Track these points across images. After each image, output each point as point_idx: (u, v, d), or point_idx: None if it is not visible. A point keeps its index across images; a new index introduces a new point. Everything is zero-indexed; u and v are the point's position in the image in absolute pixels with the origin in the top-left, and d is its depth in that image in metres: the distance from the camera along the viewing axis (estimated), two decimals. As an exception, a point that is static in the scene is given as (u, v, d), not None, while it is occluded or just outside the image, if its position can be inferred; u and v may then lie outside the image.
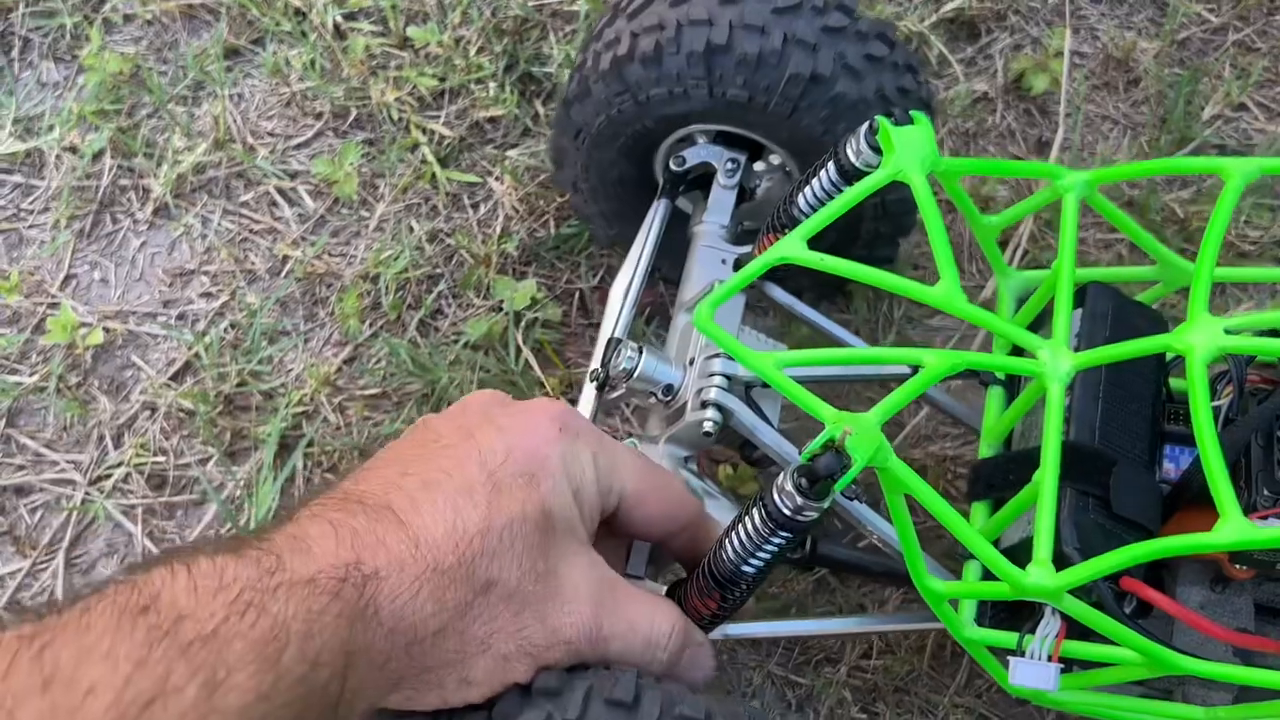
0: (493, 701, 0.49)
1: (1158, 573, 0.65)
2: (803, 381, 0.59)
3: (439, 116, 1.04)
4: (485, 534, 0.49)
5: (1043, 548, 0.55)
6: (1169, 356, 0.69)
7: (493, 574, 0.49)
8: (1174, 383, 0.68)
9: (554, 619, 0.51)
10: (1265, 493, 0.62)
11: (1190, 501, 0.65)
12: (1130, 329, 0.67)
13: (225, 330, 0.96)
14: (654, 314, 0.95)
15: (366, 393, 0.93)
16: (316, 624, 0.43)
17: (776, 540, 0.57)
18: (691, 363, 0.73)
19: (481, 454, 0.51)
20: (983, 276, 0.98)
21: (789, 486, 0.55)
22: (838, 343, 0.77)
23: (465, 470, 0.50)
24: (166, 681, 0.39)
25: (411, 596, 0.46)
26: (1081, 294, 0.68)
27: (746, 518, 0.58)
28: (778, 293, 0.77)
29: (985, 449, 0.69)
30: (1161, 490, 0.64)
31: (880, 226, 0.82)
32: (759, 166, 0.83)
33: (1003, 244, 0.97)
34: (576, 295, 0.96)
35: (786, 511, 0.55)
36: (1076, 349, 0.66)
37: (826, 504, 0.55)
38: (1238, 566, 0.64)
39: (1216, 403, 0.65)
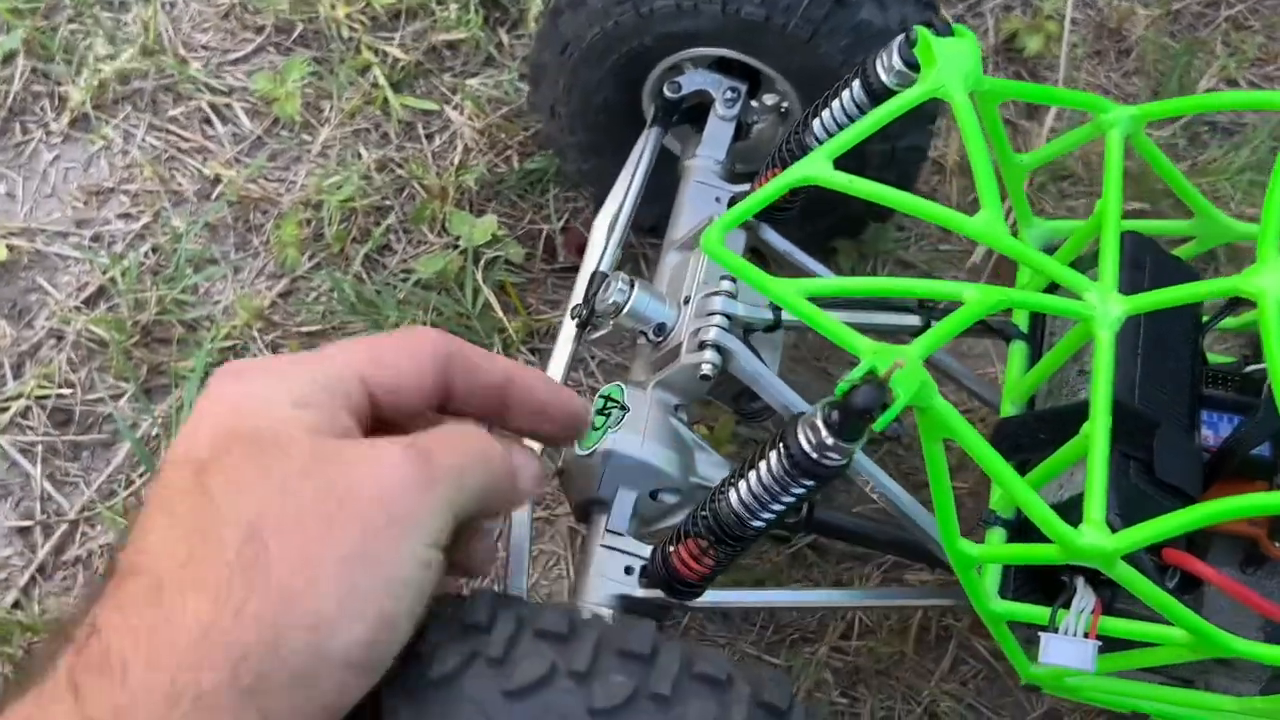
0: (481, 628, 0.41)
1: (1187, 544, 0.60)
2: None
3: (394, 38, 0.96)
4: (201, 489, 0.39)
5: (1095, 507, 0.49)
6: (1205, 318, 0.64)
7: (247, 517, 0.38)
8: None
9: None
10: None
11: (1232, 473, 0.60)
12: (1168, 282, 0.62)
13: (145, 255, 0.87)
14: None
15: (304, 329, 0.84)
16: None
17: (796, 490, 0.51)
18: (686, 301, 0.66)
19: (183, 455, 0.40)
20: (970, 242, 0.92)
21: (819, 422, 0.48)
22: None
23: (172, 477, 0.40)
24: None
25: (161, 614, 0.37)
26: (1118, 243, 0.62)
27: (762, 462, 0.51)
28: (773, 237, 0.70)
29: (1008, 407, 0.63)
30: (1202, 456, 0.59)
31: (885, 176, 0.75)
32: (754, 104, 0.76)
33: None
34: (541, 236, 0.88)
35: (812, 453, 0.49)
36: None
37: (859, 445, 0.49)
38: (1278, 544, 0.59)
39: (1260, 365, 0.60)
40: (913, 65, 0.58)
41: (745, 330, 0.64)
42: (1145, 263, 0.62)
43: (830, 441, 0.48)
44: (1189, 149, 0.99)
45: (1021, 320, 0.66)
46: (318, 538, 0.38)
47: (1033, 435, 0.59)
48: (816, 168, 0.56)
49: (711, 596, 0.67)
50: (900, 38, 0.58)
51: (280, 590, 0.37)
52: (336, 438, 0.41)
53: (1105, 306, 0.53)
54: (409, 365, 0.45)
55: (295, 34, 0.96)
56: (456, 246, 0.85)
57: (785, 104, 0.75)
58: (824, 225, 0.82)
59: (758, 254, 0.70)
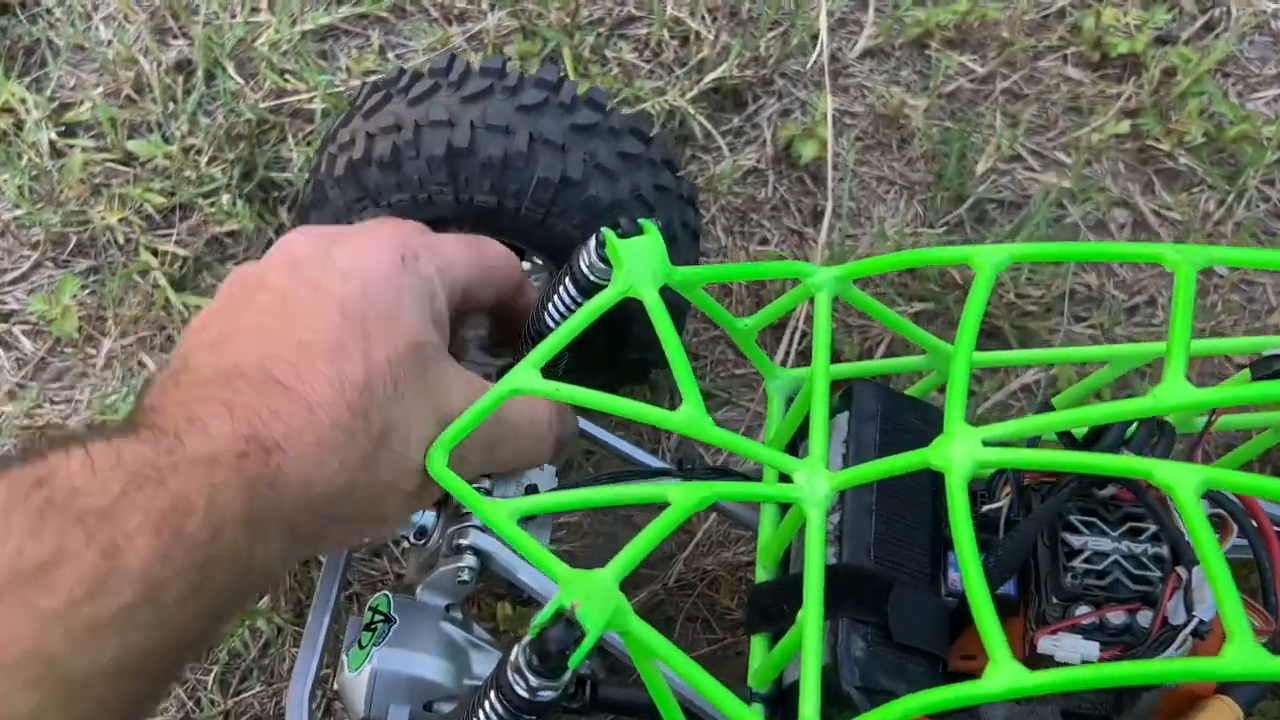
0: None
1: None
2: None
3: (170, 235, 0.95)
4: (369, 385, 0.50)
5: (809, 703, 0.49)
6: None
7: (387, 420, 0.51)
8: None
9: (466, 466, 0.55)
10: (1053, 600, 0.58)
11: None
12: (902, 430, 0.63)
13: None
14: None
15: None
16: (219, 497, 0.44)
17: (525, 721, 0.51)
18: (445, 501, 0.66)
19: (341, 305, 0.52)
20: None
21: (521, 664, 0.49)
22: (618, 454, 0.72)
23: (331, 325, 0.51)
24: (63, 547, 0.40)
25: (315, 461, 0.48)
26: (848, 395, 0.63)
27: (485, 703, 0.51)
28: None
29: (761, 572, 0.64)
30: (948, 605, 0.59)
31: (648, 332, 0.76)
32: (526, 266, 0.77)
33: (778, 333, 0.92)
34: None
35: (522, 692, 0.49)
36: (845, 458, 0.61)
37: (564, 680, 0.49)
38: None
39: (996, 504, 0.60)
40: (609, 261, 0.59)
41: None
42: (875, 412, 0.62)
43: (536, 682, 0.48)
44: (978, 227, 1.01)
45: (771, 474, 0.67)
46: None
47: (778, 605, 0.59)
48: (524, 379, 0.57)
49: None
50: (595, 237, 0.59)
51: None
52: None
53: (812, 486, 0.54)
54: (494, 276, 0.62)
55: (70, 246, 0.95)
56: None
57: (548, 267, 0.76)
58: (606, 378, 0.82)
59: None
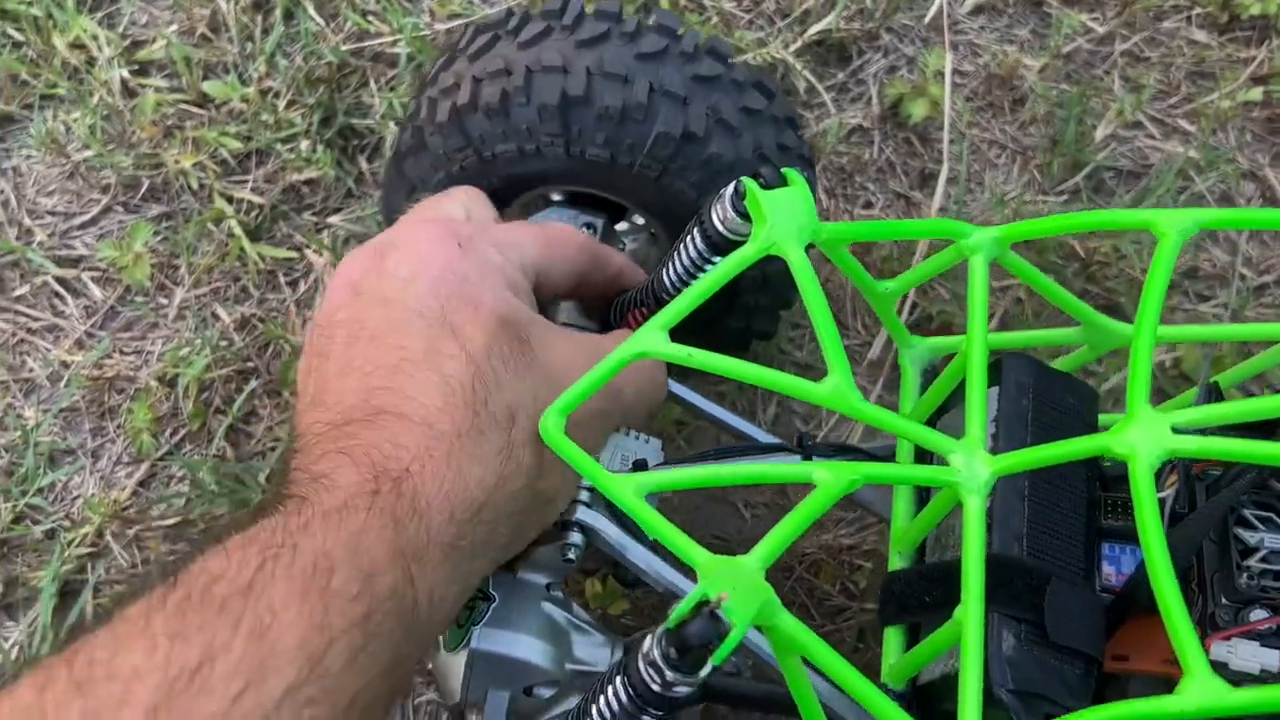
0: None
1: (1100, 690, 0.55)
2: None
3: (246, 181, 0.90)
4: (478, 376, 0.48)
5: (970, 708, 0.44)
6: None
7: (509, 404, 0.48)
8: (1109, 469, 0.58)
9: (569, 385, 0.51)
10: (1224, 601, 0.52)
11: (1141, 610, 0.55)
12: (1055, 408, 0.57)
13: (-4, 454, 0.81)
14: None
15: (165, 523, 0.78)
16: (360, 543, 0.42)
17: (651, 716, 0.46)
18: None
19: (417, 310, 0.49)
20: (869, 332, 0.88)
21: (656, 657, 0.44)
22: (721, 425, 0.67)
23: (416, 333, 0.48)
24: (210, 643, 0.37)
25: (454, 472, 0.45)
26: (996, 368, 0.57)
27: (608, 691, 0.46)
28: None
29: (895, 559, 0.58)
30: (1103, 602, 0.54)
31: (759, 299, 0.71)
32: (621, 226, 0.71)
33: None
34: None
35: (655, 687, 0.44)
36: (994, 439, 0.56)
37: (703, 676, 0.44)
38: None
39: (1161, 494, 0.55)
40: (747, 215, 0.54)
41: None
42: (1028, 387, 0.57)
43: (672, 677, 0.43)
44: (1095, 196, 0.95)
45: (906, 452, 0.62)
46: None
47: (918, 596, 0.54)
48: (651, 341, 0.51)
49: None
50: (730, 188, 0.54)
51: None
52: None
53: (971, 471, 0.49)
54: (566, 254, 0.57)
55: (142, 190, 0.91)
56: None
57: (653, 227, 0.71)
58: (707, 343, 0.77)
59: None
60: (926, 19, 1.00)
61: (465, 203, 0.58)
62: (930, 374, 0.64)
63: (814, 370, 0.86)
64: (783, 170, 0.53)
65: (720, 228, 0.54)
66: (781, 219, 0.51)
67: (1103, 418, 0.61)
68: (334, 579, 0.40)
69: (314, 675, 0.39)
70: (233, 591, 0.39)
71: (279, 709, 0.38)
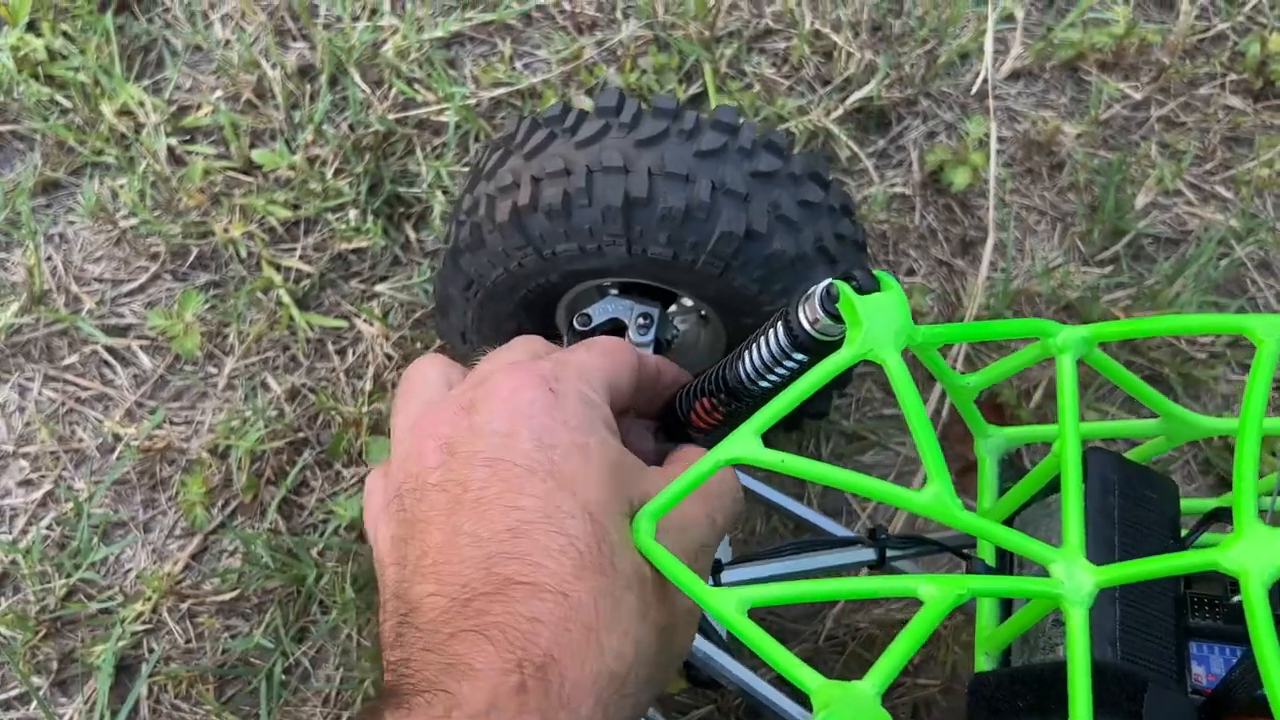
0: None
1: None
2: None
3: (295, 250, 0.90)
4: (603, 535, 0.45)
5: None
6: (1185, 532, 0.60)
7: (636, 564, 0.45)
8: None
9: (688, 544, 0.49)
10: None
11: (1235, 713, 0.55)
12: (1139, 505, 0.57)
13: (49, 527, 0.81)
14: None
15: (220, 598, 0.78)
16: None
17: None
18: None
19: (526, 467, 0.46)
20: (924, 387, 0.88)
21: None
22: (796, 519, 0.67)
23: (529, 492, 0.45)
24: None
25: (596, 651, 0.43)
26: (1080, 463, 0.58)
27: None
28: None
29: (982, 659, 0.58)
30: (1196, 703, 0.54)
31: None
32: (673, 309, 0.71)
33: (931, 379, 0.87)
34: (467, 454, 0.83)
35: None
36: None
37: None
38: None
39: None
40: (837, 316, 0.54)
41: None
42: (1114, 484, 0.57)
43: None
44: (1135, 264, 0.95)
45: (987, 548, 0.62)
46: None
47: (1009, 700, 0.54)
48: (746, 447, 0.51)
49: None
50: (820, 288, 0.54)
51: None
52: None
53: (1074, 582, 0.49)
54: (626, 368, 0.54)
55: (191, 258, 0.91)
56: (379, 482, 0.80)
57: (704, 309, 0.71)
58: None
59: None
60: (966, 85, 1.00)
61: (532, 349, 0.55)
62: (1005, 464, 0.64)
63: (862, 440, 0.87)
64: (875, 273, 0.53)
65: (809, 329, 0.54)
66: (879, 324, 0.51)
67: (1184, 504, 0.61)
68: None
69: None
70: None
71: None
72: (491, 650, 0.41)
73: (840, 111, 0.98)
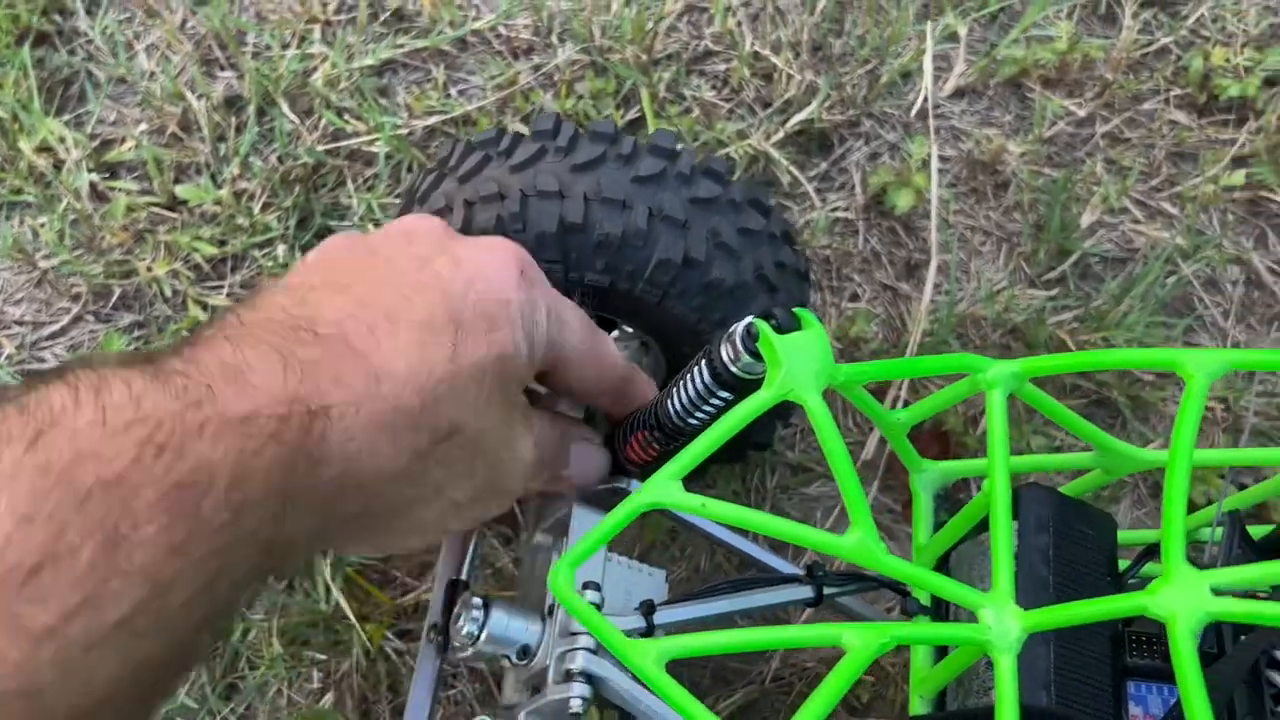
0: None
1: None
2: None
3: (222, 288, 0.88)
4: (453, 377, 0.46)
5: None
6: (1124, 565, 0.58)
7: (456, 420, 0.46)
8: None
9: (507, 468, 0.51)
10: (1257, 746, 0.51)
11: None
12: (1076, 543, 0.56)
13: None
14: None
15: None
16: (247, 468, 0.38)
17: None
18: (551, 612, 0.59)
19: (441, 283, 0.48)
20: (862, 431, 0.86)
21: None
22: (728, 548, 0.65)
23: (428, 301, 0.47)
24: (59, 540, 0.33)
25: (368, 439, 0.43)
26: (1014, 500, 0.56)
27: None
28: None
29: (916, 703, 0.57)
30: (1135, 747, 0.53)
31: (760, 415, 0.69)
32: (615, 334, 0.70)
33: (879, 393, 0.86)
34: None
35: None
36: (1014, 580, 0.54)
37: None
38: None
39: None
40: (758, 355, 0.52)
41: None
42: (1048, 521, 0.55)
43: None
44: (1082, 284, 0.94)
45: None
46: None
47: (945, 747, 0.53)
48: (665, 492, 0.50)
49: None
50: (741, 327, 0.52)
51: None
52: None
53: (1002, 627, 0.47)
54: (599, 373, 0.57)
55: (114, 298, 0.88)
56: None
57: (644, 338, 0.69)
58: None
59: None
60: (910, 105, 0.99)
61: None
62: (942, 497, 0.63)
63: (808, 471, 0.85)
64: (795, 311, 0.51)
65: (731, 368, 0.53)
66: (798, 365, 0.50)
67: (1122, 535, 0.60)
68: (206, 501, 0.37)
69: (153, 606, 0.35)
70: (98, 480, 0.35)
71: (109, 638, 0.34)
72: (281, 375, 0.41)
73: (781, 135, 0.96)
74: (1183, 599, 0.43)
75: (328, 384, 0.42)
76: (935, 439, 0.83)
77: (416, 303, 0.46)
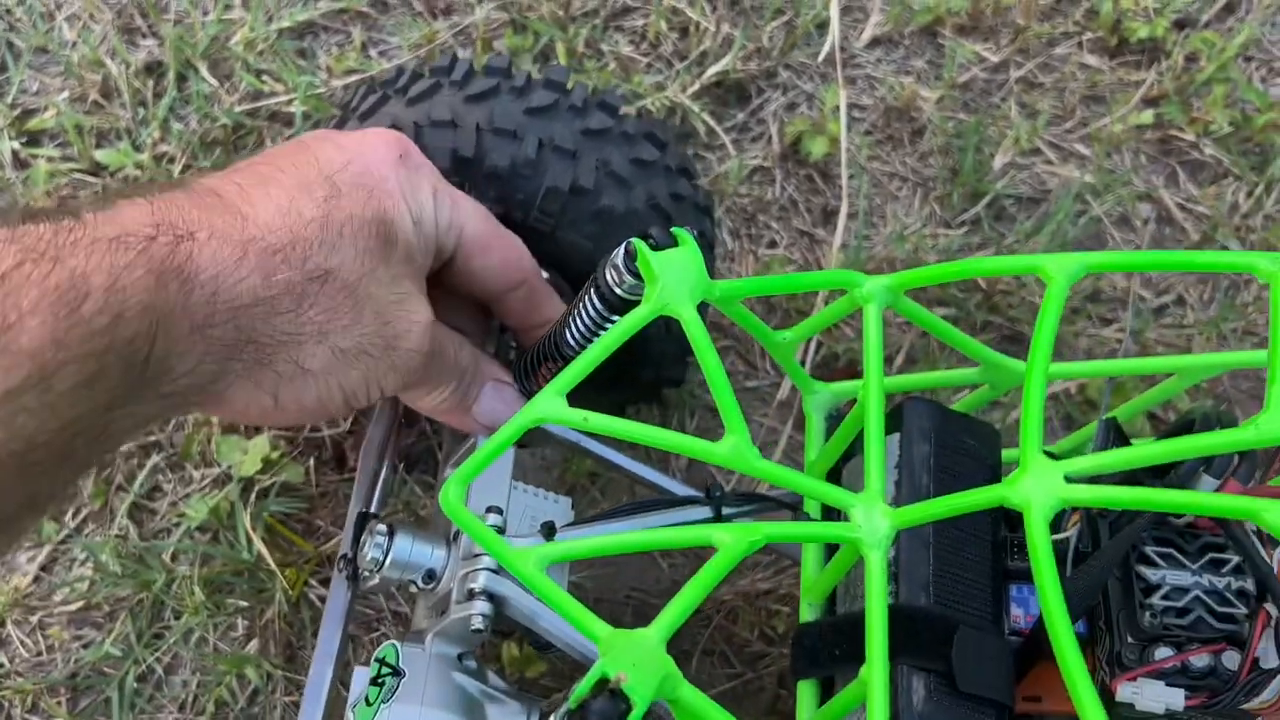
0: None
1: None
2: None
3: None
4: (322, 223, 0.48)
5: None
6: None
7: (329, 264, 0.49)
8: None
9: (397, 324, 0.52)
10: (1129, 640, 0.52)
11: (1050, 655, 0.55)
12: (957, 452, 0.57)
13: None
14: (417, 460, 0.81)
15: (69, 608, 0.76)
16: (121, 279, 0.41)
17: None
18: (456, 538, 0.61)
19: (319, 160, 0.51)
20: (777, 373, 0.88)
21: (559, 733, 0.43)
22: (633, 477, 0.66)
23: (302, 170, 0.50)
24: None
25: (235, 264, 0.46)
26: (897, 414, 0.58)
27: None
28: (554, 429, 0.65)
29: (806, 610, 0.58)
30: (1012, 645, 0.54)
31: (666, 347, 0.71)
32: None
33: (809, 347, 0.87)
34: (325, 445, 0.82)
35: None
36: (896, 486, 0.56)
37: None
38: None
39: (1064, 534, 0.55)
40: (640, 275, 0.53)
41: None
42: (929, 432, 0.57)
43: (579, 748, 0.43)
44: (996, 225, 0.96)
45: (814, 503, 0.62)
46: None
47: (828, 649, 0.54)
48: (550, 408, 0.51)
49: None
50: (621, 249, 0.53)
51: None
52: None
53: (871, 525, 0.49)
54: (504, 263, 0.59)
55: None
56: (230, 478, 0.78)
57: (548, 273, 0.70)
58: (616, 396, 0.77)
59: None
60: (821, 56, 1.00)
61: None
62: (836, 419, 0.64)
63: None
64: (672, 230, 0.53)
65: (614, 288, 0.54)
66: (672, 279, 0.51)
67: (1006, 454, 0.61)
68: (85, 305, 0.40)
69: (39, 387, 0.39)
70: None
71: None
72: (147, 210, 0.44)
73: (697, 86, 0.97)
74: (1037, 487, 0.45)
75: (194, 216, 0.45)
76: (846, 374, 0.85)
77: (290, 172, 0.49)
